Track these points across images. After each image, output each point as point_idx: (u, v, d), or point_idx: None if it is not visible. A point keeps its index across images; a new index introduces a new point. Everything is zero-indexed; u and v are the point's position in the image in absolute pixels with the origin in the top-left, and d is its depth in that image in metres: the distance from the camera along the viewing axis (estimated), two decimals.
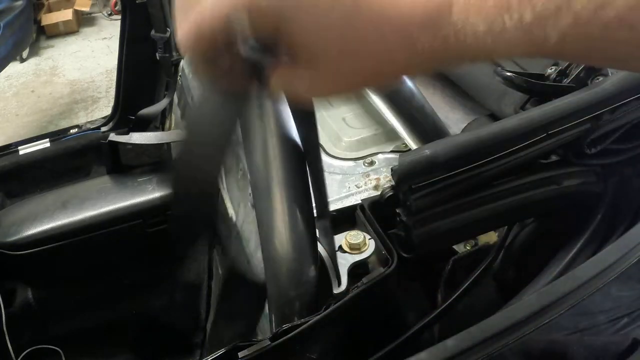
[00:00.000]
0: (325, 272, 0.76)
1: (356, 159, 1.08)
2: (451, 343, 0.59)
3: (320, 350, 0.71)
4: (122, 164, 1.36)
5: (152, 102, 2.05)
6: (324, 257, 0.78)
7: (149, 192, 1.32)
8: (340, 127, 1.16)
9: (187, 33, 0.38)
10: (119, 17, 2.08)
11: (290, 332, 0.69)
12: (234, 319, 1.23)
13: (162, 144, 1.35)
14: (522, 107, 0.92)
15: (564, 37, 0.33)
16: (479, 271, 0.82)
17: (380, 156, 1.08)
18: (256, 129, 0.74)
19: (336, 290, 0.73)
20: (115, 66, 2.10)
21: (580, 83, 0.85)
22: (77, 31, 4.88)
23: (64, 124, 3.59)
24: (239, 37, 0.37)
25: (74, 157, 1.92)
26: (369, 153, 1.09)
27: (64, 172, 1.89)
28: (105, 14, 5.10)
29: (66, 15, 4.79)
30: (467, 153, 0.75)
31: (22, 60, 4.44)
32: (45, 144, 1.90)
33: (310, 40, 0.37)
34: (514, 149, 0.76)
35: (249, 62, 0.39)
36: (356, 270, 0.76)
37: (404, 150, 1.08)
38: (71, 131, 2.04)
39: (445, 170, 0.74)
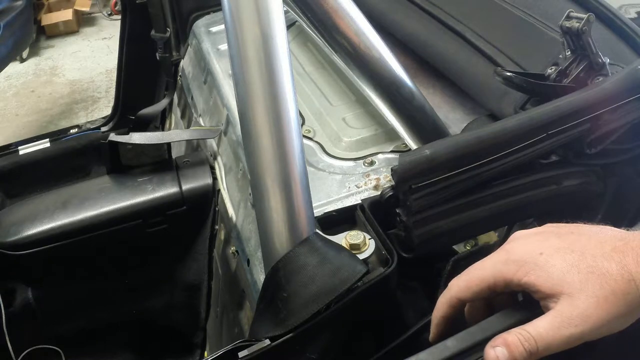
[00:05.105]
0: None
1: (356, 159, 1.08)
2: (451, 343, 0.59)
3: (320, 350, 0.71)
4: (122, 164, 1.36)
5: (152, 102, 2.05)
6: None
7: (149, 192, 1.32)
8: (340, 127, 1.16)
9: (464, 281, 0.60)
10: (119, 17, 2.08)
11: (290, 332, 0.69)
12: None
13: (162, 144, 1.35)
14: (522, 107, 0.92)
15: None
16: None
17: (380, 156, 1.08)
18: (257, 129, 0.74)
19: None
20: (115, 66, 2.10)
21: (580, 83, 0.85)
22: (77, 31, 4.88)
23: (64, 124, 3.59)
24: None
25: (74, 157, 1.92)
26: (369, 153, 1.09)
27: (64, 172, 1.88)
28: (105, 14, 5.10)
29: (66, 15, 4.79)
30: (467, 153, 0.75)
31: (22, 60, 4.44)
32: (45, 144, 1.90)
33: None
34: (514, 149, 0.76)
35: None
36: None
37: (404, 150, 1.08)
38: (71, 131, 2.04)
39: (445, 170, 0.74)
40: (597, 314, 0.52)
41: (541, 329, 0.53)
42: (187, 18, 1.78)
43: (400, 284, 0.79)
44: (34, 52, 4.55)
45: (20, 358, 1.32)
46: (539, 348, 0.52)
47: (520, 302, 0.62)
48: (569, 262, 0.55)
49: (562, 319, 0.52)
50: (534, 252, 0.57)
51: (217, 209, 1.36)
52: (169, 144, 1.37)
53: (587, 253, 0.55)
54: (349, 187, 1.01)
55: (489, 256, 0.60)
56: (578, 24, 0.81)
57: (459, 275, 0.62)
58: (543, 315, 0.54)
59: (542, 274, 0.55)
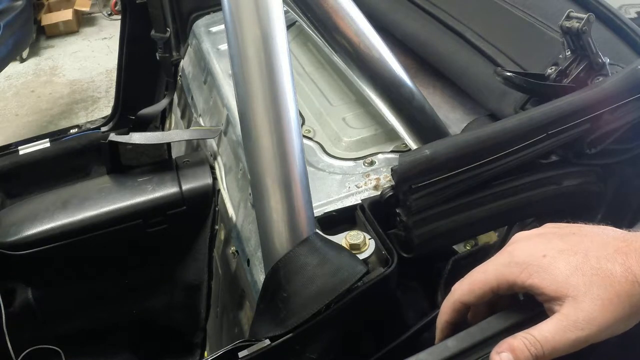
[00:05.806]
0: None
1: (356, 159, 1.08)
2: (451, 343, 0.59)
3: (320, 350, 0.71)
4: (122, 164, 1.36)
5: (152, 102, 2.05)
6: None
7: (149, 192, 1.32)
8: (340, 127, 1.16)
9: (467, 285, 0.60)
10: (119, 17, 2.08)
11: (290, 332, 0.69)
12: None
13: (162, 144, 1.35)
14: (522, 107, 0.92)
15: None
16: None
17: (380, 156, 1.08)
18: (257, 129, 0.74)
19: None
20: (115, 66, 2.10)
21: (580, 83, 0.85)
22: (77, 31, 4.87)
23: (64, 124, 3.59)
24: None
25: (74, 157, 1.92)
26: (369, 153, 1.09)
27: (64, 172, 1.89)
28: (105, 14, 5.10)
29: (66, 15, 4.79)
30: (467, 153, 0.75)
31: (22, 60, 4.44)
32: (45, 144, 1.90)
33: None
34: (514, 149, 0.76)
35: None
36: None
37: (404, 150, 1.08)
38: (71, 131, 2.04)
39: (445, 170, 0.74)
40: (603, 316, 0.52)
41: (547, 333, 0.53)
42: (187, 18, 1.78)
43: (400, 284, 0.79)
44: (34, 52, 4.55)
45: (20, 358, 1.32)
46: (545, 352, 0.52)
47: (520, 302, 0.62)
48: (572, 265, 0.55)
49: (568, 322, 0.52)
50: (537, 254, 0.57)
51: (217, 209, 1.36)
52: (169, 144, 1.37)
53: (591, 255, 0.55)
54: (349, 187, 1.01)
55: (491, 259, 0.60)
56: (578, 24, 0.81)
57: (462, 279, 0.61)
58: (548, 319, 0.54)
59: (546, 277, 0.55)
